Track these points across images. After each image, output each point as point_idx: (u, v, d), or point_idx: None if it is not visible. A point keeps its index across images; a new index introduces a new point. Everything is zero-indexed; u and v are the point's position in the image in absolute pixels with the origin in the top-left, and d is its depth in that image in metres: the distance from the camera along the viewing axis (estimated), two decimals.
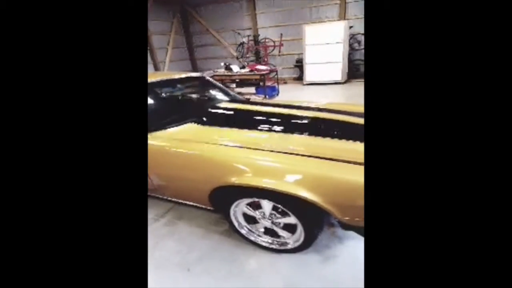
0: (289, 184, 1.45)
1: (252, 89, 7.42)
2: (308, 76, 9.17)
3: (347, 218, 1.44)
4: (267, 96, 6.95)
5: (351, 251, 1.84)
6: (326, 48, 8.54)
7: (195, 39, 12.00)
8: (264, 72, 6.79)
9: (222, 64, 7.44)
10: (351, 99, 6.72)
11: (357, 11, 8.85)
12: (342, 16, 9.02)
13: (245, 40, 10.47)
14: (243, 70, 7.09)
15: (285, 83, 10.25)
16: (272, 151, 1.59)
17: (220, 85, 3.31)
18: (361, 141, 1.69)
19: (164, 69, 10.52)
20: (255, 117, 2.26)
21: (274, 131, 1.92)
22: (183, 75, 2.94)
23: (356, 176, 1.37)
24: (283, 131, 1.91)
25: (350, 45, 9.03)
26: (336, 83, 8.82)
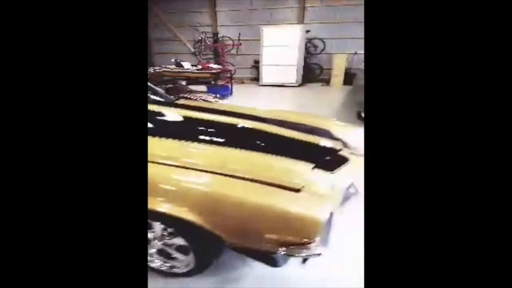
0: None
1: (204, 88, 7.12)
2: (265, 78, 9.08)
3: (233, 241, 1.25)
4: (217, 96, 6.69)
5: (256, 272, 1.66)
6: (283, 51, 8.50)
7: (152, 33, 11.36)
8: (215, 71, 6.53)
9: (173, 60, 7.05)
10: (303, 101, 6.72)
11: (314, 16, 8.93)
12: (301, 20, 9.05)
13: (203, 36, 10.13)
14: (194, 68, 6.77)
15: (242, 83, 10.07)
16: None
17: (149, 84, 2.97)
18: (282, 156, 1.52)
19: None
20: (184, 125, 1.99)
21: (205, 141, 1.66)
22: None
23: (242, 194, 1.18)
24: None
25: (307, 49, 9.09)
26: (291, 85, 8.82)
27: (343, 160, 1.59)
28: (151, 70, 6.89)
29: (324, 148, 1.76)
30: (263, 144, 1.70)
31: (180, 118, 2.08)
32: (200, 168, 1.32)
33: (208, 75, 6.49)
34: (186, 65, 6.85)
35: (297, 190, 1.23)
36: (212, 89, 6.84)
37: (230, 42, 9.88)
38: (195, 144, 1.61)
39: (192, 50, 10.69)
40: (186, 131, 1.86)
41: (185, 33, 10.78)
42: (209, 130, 1.88)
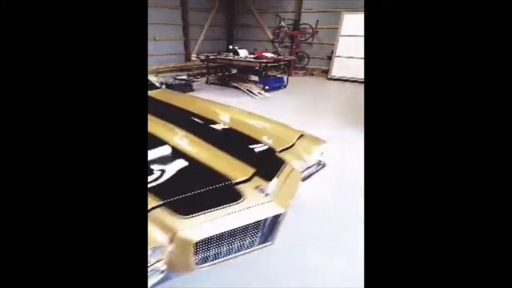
0: None
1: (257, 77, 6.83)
2: (334, 71, 8.05)
3: None
4: (266, 87, 6.30)
5: None
6: (361, 42, 7.25)
7: (236, 19, 11.60)
8: (264, 61, 6.12)
9: (230, 47, 6.99)
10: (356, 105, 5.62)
11: None
12: None
13: (283, 24, 9.68)
14: (251, 56, 6.52)
15: (312, 74, 9.22)
16: None
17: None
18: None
19: (195, 48, 10.46)
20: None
21: None
22: None
23: None
24: None
25: None
26: (362, 82, 7.54)
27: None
28: (201, 56, 7.02)
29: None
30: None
31: None
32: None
33: (257, 64, 6.14)
34: (243, 53, 6.67)
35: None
36: (262, 80, 6.48)
37: (310, 30, 9.13)
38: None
39: (271, 37, 10.41)
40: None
41: (268, 19, 10.55)
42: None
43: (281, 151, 1.79)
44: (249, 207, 1.24)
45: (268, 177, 1.43)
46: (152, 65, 8.16)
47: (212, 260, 1.29)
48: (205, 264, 1.27)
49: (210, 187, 1.28)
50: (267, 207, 1.27)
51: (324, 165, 2.05)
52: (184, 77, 6.76)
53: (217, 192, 1.27)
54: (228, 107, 2.37)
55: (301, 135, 1.98)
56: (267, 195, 1.30)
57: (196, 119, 2.02)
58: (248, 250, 1.39)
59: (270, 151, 1.72)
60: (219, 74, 7.12)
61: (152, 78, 3.01)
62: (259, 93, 6.04)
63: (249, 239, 1.37)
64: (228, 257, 1.33)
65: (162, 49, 9.29)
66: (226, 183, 1.31)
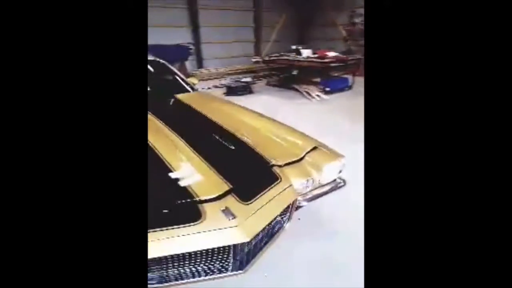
0: None
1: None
2: None
3: None
4: (327, 89, 5.89)
5: None
6: None
7: (315, 17, 11.19)
8: (326, 61, 5.73)
9: (293, 47, 6.78)
10: None
11: None
12: None
13: (358, 20, 8.96)
14: (310, 56, 6.22)
15: None
16: None
17: (177, 72, 3.09)
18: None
19: (266, 50, 10.52)
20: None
21: None
22: None
23: None
24: None
25: None
26: None
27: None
28: (258, 58, 6.96)
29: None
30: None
31: None
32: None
33: (318, 64, 5.79)
34: (306, 52, 6.40)
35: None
36: (324, 82, 6.09)
37: None
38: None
39: (344, 34, 9.74)
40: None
41: (342, 17, 9.91)
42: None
43: (285, 164, 1.58)
44: (207, 230, 1.10)
45: (246, 197, 1.25)
46: (221, 67, 8.59)
47: (174, 281, 1.20)
48: (165, 284, 1.19)
49: (174, 203, 1.19)
50: (227, 234, 1.11)
51: (343, 184, 1.74)
52: (248, 79, 6.87)
53: (179, 209, 1.17)
54: (250, 113, 2.22)
55: (314, 148, 1.71)
56: (233, 218, 1.13)
57: (212, 131, 1.84)
58: (220, 275, 1.26)
59: (263, 164, 1.52)
60: (280, 75, 6.99)
61: (193, 80, 3.08)
62: (317, 95, 5.68)
63: (219, 264, 1.23)
64: (193, 279, 1.22)
65: (234, 51, 9.68)
66: (190, 200, 1.19)
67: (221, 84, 6.72)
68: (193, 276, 1.22)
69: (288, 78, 6.66)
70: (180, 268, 1.17)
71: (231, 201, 1.21)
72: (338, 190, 1.70)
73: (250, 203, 1.24)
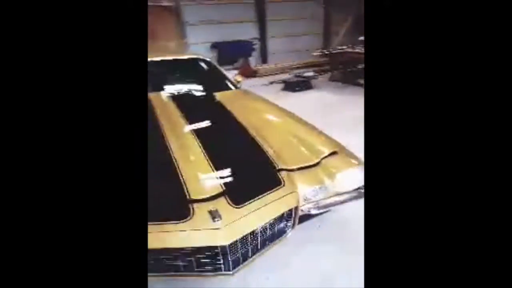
0: None
1: None
2: None
3: None
4: None
5: None
6: None
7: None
8: None
9: (360, 38, 6.24)
10: None
11: None
12: None
13: None
14: None
15: None
16: None
17: (222, 71, 3.19)
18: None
19: (335, 43, 9.93)
20: None
21: None
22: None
23: None
24: None
25: None
26: None
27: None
28: (321, 52, 6.57)
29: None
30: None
31: None
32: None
33: None
34: None
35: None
36: None
37: None
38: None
39: None
40: None
41: None
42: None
43: (298, 169, 1.50)
44: (191, 229, 1.12)
45: (238, 201, 1.24)
46: (283, 62, 8.50)
47: (167, 272, 1.26)
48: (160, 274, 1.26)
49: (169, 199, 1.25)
50: (209, 235, 1.11)
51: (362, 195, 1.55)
52: (310, 73, 6.64)
53: (171, 205, 1.23)
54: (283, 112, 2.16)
55: (334, 152, 1.57)
56: (217, 220, 1.13)
57: (230, 131, 1.86)
58: (210, 274, 1.28)
59: (269, 167, 1.47)
60: (343, 70, 6.54)
61: (238, 78, 3.13)
62: None
63: (210, 262, 1.25)
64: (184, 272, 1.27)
65: (302, 45, 9.45)
66: (182, 198, 1.23)
67: (281, 80, 6.66)
68: (185, 270, 1.27)
69: (353, 72, 6.19)
70: (172, 262, 1.23)
71: (222, 203, 1.22)
72: (356, 200, 1.53)
73: (241, 207, 1.22)
